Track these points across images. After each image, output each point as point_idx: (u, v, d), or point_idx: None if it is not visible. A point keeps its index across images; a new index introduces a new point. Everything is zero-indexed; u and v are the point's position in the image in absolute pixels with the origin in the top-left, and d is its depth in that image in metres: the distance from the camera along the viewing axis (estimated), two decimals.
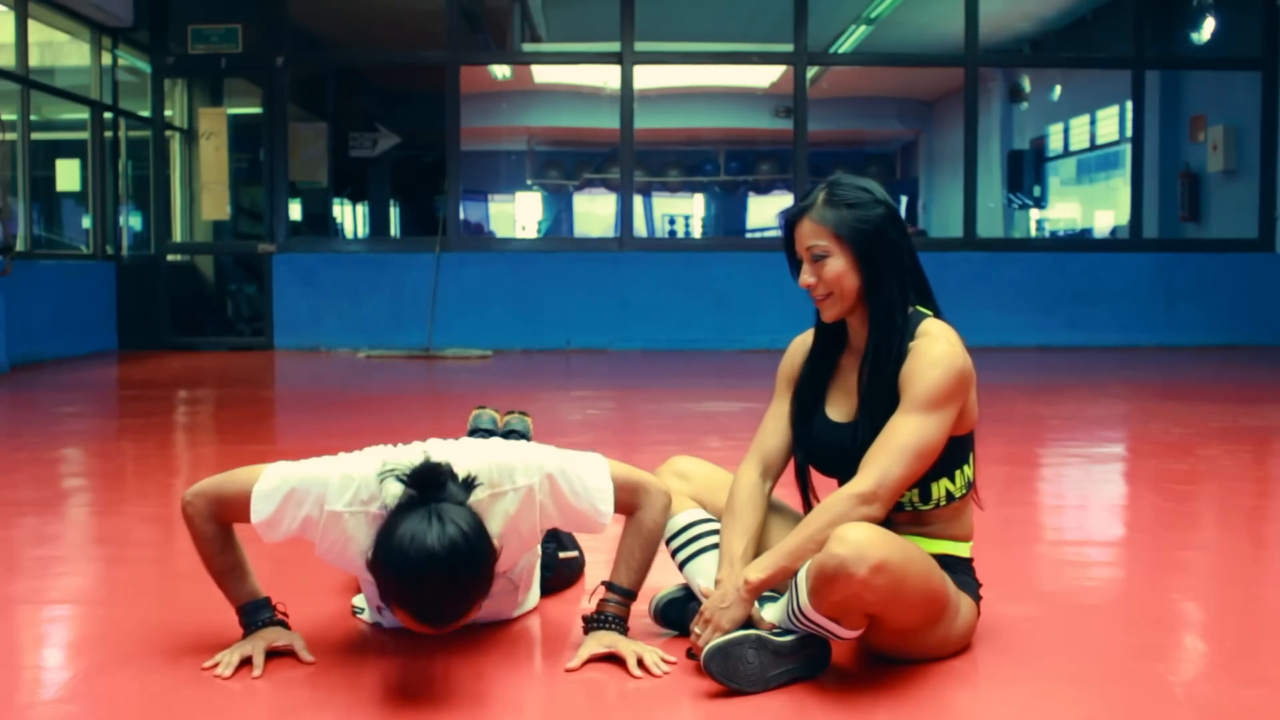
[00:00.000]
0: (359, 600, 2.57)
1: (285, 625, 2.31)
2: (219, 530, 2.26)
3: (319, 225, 13.37)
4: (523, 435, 3.28)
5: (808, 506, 2.40)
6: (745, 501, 2.32)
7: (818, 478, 2.42)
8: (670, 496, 2.34)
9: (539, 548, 2.59)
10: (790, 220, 2.27)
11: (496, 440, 2.38)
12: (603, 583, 2.34)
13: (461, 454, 2.21)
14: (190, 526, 2.27)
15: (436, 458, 2.11)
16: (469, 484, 2.09)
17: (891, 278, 2.22)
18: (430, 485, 2.03)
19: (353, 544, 2.19)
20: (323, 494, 2.18)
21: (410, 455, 2.18)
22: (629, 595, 2.32)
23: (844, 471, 2.34)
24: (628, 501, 2.30)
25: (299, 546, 2.36)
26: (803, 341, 2.43)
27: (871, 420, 2.21)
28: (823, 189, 2.25)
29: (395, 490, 2.08)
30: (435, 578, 1.95)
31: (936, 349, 2.18)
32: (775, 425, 2.41)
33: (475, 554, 1.99)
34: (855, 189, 2.23)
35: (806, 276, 2.25)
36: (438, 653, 2.32)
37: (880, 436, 2.17)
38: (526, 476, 2.23)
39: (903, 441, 2.14)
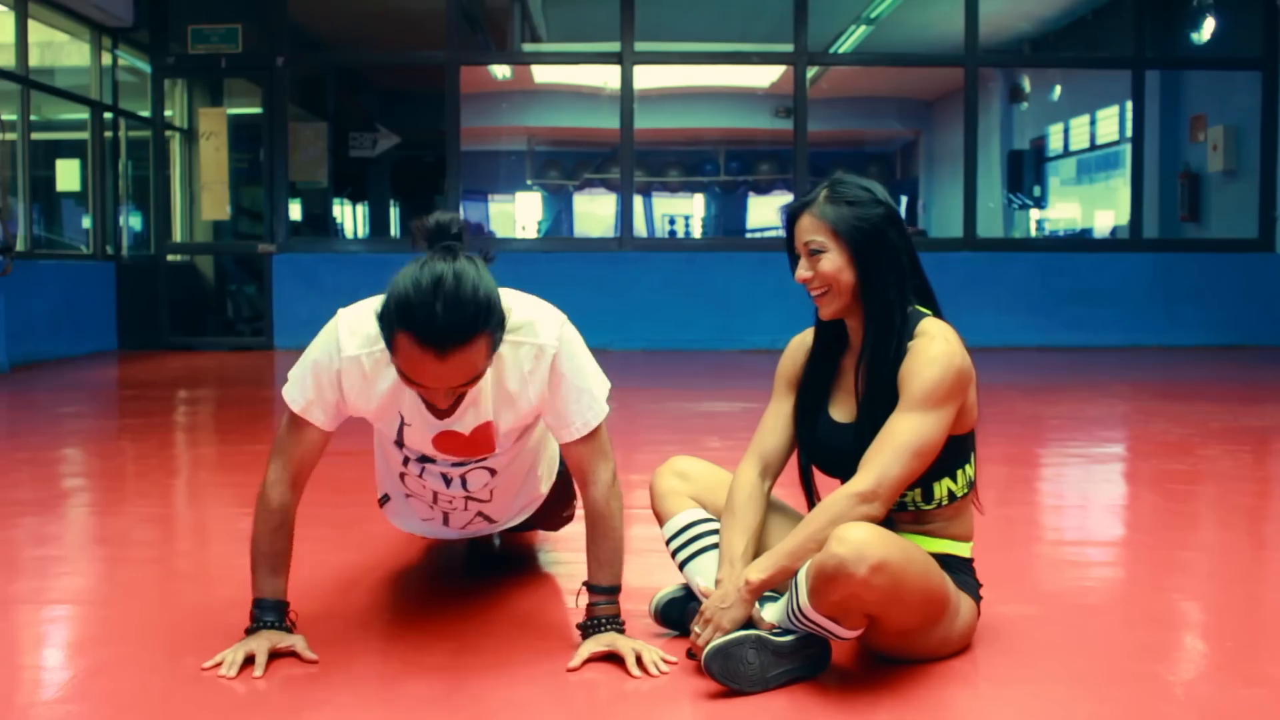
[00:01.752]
0: (379, 482, 2.67)
1: (290, 630, 2.30)
2: (284, 506, 2.27)
3: (319, 225, 13.37)
4: None
5: (811, 508, 2.40)
6: (745, 501, 2.32)
7: (821, 479, 2.42)
8: (615, 476, 2.35)
9: (555, 450, 2.66)
10: (791, 215, 2.28)
11: (533, 298, 2.37)
12: (584, 584, 2.34)
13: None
14: (259, 500, 2.29)
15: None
16: (485, 255, 2.11)
17: (888, 278, 2.22)
18: (441, 236, 2.07)
19: (376, 386, 2.23)
20: (336, 347, 2.22)
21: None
22: (612, 591, 2.32)
23: (847, 472, 2.34)
24: (588, 461, 2.31)
25: (301, 546, 2.36)
26: (800, 341, 2.44)
27: (872, 420, 2.22)
28: (825, 186, 2.26)
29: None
30: (438, 285, 1.96)
31: (934, 347, 2.18)
32: (774, 424, 2.41)
33: (480, 276, 2.02)
34: (857, 188, 2.24)
35: (803, 271, 2.26)
36: (439, 653, 2.32)
37: (879, 435, 2.17)
38: (550, 336, 2.26)
39: (901, 440, 2.14)
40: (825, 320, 2.31)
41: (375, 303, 2.20)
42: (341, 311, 2.29)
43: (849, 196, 2.23)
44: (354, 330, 2.23)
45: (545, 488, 2.69)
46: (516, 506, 2.64)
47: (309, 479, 2.34)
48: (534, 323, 2.26)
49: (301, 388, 2.26)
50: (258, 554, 2.29)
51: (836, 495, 2.15)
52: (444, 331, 1.97)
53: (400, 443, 2.40)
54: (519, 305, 2.27)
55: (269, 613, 2.28)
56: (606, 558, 2.31)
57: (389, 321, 2.02)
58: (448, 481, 2.47)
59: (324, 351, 2.24)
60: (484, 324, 2.02)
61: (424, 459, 2.44)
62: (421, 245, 2.08)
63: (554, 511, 2.84)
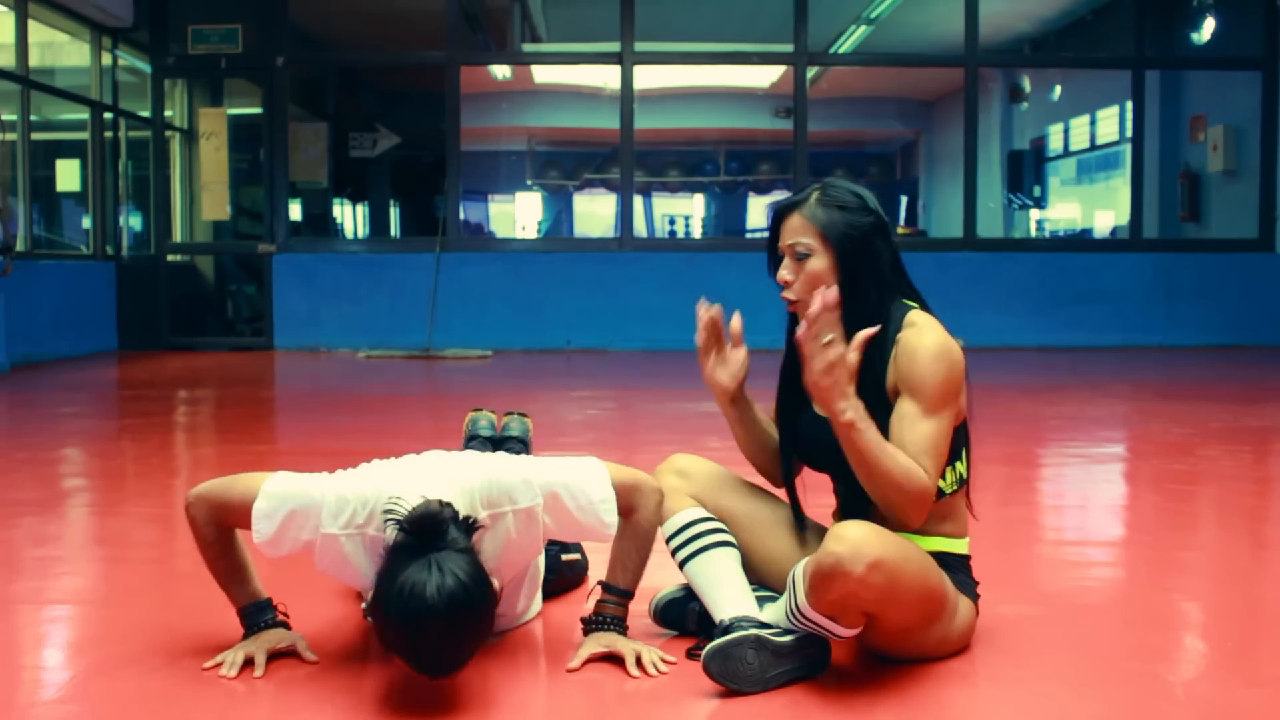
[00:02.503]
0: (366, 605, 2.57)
1: (286, 626, 2.31)
2: (221, 534, 2.26)
3: (319, 225, 13.37)
4: (520, 440, 3.27)
5: (796, 507, 2.40)
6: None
7: (813, 478, 2.42)
8: (662, 493, 2.34)
9: (541, 556, 2.59)
10: (779, 213, 2.27)
11: (498, 456, 2.36)
12: (599, 583, 2.34)
13: (460, 471, 2.21)
14: (193, 528, 2.27)
15: (434, 495, 2.09)
16: (470, 526, 2.06)
17: (870, 287, 2.22)
18: (430, 534, 2.00)
19: (350, 564, 2.19)
20: (318, 516, 2.17)
21: (410, 476, 2.18)
22: (626, 595, 2.32)
23: (834, 467, 2.34)
24: (626, 504, 2.29)
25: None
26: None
27: None
28: (816, 188, 2.26)
29: (395, 532, 2.06)
30: (433, 630, 1.93)
31: (928, 340, 2.16)
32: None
33: (474, 604, 1.96)
34: (848, 193, 2.23)
35: (785, 273, 2.26)
36: None
37: (917, 435, 2.14)
38: (528, 497, 2.21)
39: (938, 444, 2.14)
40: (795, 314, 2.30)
41: (367, 485, 2.18)
42: (339, 476, 2.24)
43: (840, 201, 2.22)
44: (339, 510, 2.17)
45: (525, 618, 2.58)
46: (508, 618, 2.55)
47: None
48: (505, 488, 2.21)
49: (271, 523, 2.19)
50: (217, 574, 2.29)
51: (907, 472, 2.09)
52: (438, 666, 1.99)
53: None
54: (477, 475, 2.22)
55: (258, 614, 2.28)
56: (632, 565, 2.31)
57: (381, 633, 2.01)
58: None
59: (305, 511, 2.18)
60: (480, 641, 2.02)
61: None
62: (404, 537, 2.01)
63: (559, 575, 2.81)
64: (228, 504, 2.23)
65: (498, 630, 2.44)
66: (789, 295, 2.26)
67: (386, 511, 2.11)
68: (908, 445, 2.14)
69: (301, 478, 2.24)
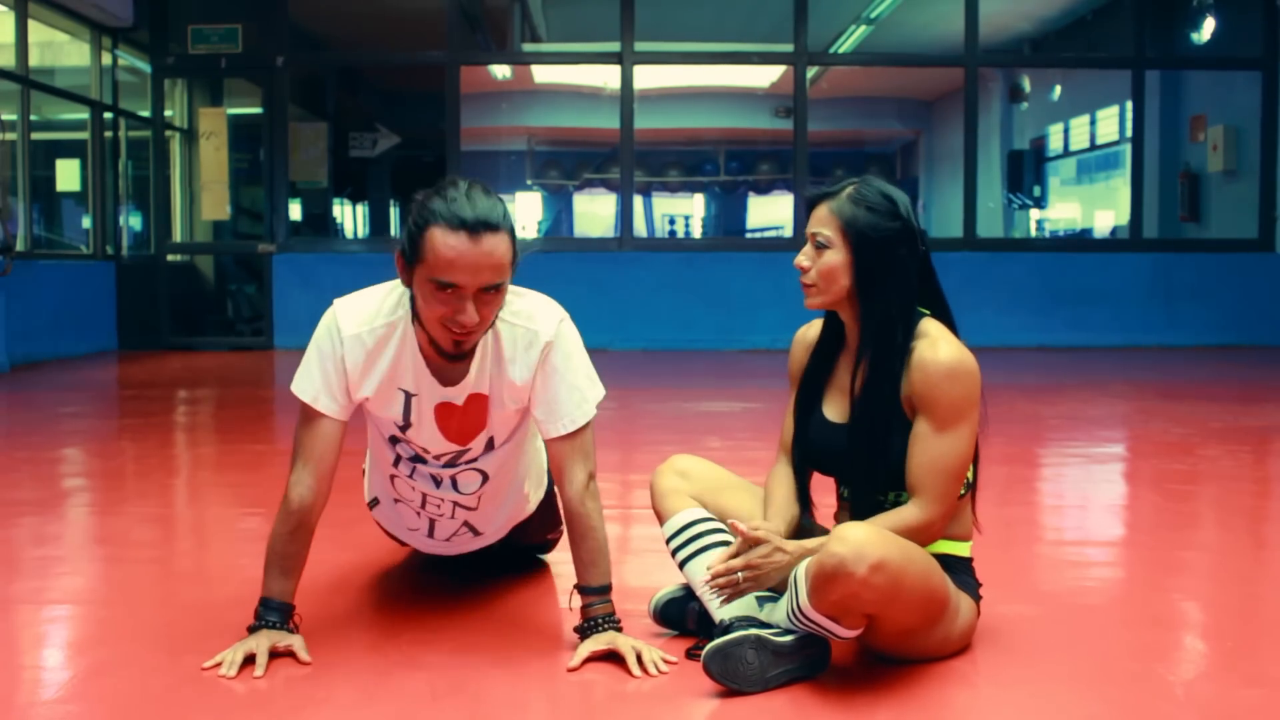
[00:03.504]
0: (369, 487, 2.70)
1: (293, 633, 2.30)
2: (303, 508, 2.28)
3: (319, 225, 13.37)
4: None
5: (804, 505, 2.40)
6: (784, 498, 2.36)
7: (817, 480, 2.42)
8: (593, 476, 2.36)
9: (543, 464, 2.66)
10: (811, 201, 2.28)
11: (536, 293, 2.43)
12: (576, 588, 2.35)
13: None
14: (282, 501, 2.31)
15: None
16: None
17: (889, 293, 2.20)
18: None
19: (378, 360, 2.28)
20: (336, 330, 2.27)
21: None
22: (604, 590, 2.32)
23: (839, 471, 2.34)
24: (566, 458, 2.32)
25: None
26: (803, 336, 2.43)
27: (867, 424, 2.22)
28: (853, 183, 2.25)
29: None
30: (459, 185, 2.12)
31: (943, 354, 2.17)
32: (791, 421, 2.42)
33: (493, 192, 2.15)
34: (880, 195, 2.22)
35: (802, 258, 2.26)
36: (438, 652, 2.32)
37: (927, 456, 2.15)
38: (547, 327, 2.32)
39: (954, 464, 2.16)
40: (809, 309, 2.31)
41: (370, 289, 2.30)
42: (337, 300, 2.33)
43: (869, 202, 2.21)
44: (351, 313, 2.29)
45: (533, 504, 2.69)
46: (502, 517, 2.63)
47: (333, 479, 2.34)
48: (532, 311, 2.33)
49: (309, 378, 2.30)
50: (272, 553, 2.30)
51: (903, 528, 2.13)
52: (474, 214, 2.09)
53: (397, 437, 2.41)
54: (520, 293, 2.33)
55: (273, 613, 2.28)
56: (589, 557, 2.32)
57: (418, 229, 2.12)
58: (437, 483, 2.48)
59: (325, 337, 2.30)
60: (506, 217, 2.14)
61: (415, 459, 2.44)
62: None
63: (539, 531, 2.84)
64: (301, 443, 2.32)
65: (517, 520, 2.63)
66: (804, 280, 2.26)
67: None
68: (923, 466, 2.16)
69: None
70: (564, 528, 2.79)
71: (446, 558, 3.02)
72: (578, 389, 2.34)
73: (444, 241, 2.09)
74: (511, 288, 2.27)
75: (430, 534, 2.64)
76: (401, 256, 2.18)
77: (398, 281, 2.28)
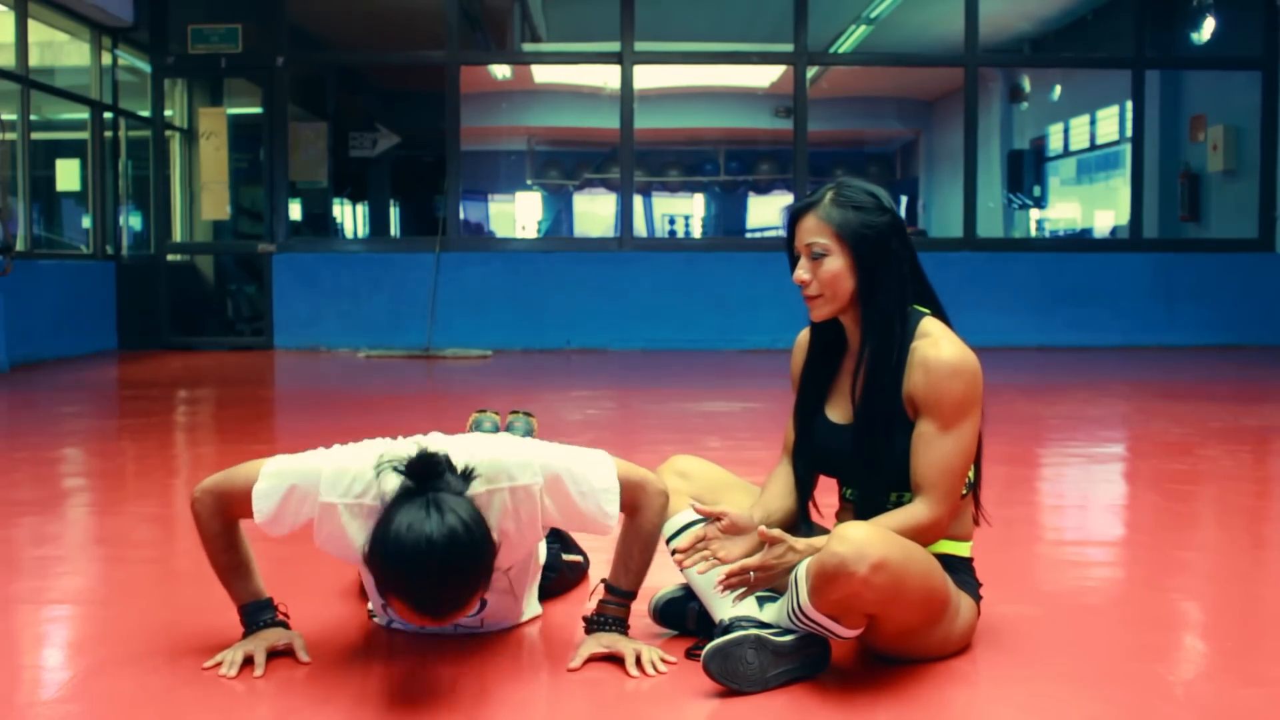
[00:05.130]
0: (372, 605, 2.56)
1: (286, 626, 2.31)
2: (226, 528, 2.26)
3: (319, 225, 13.37)
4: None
5: (805, 509, 2.40)
6: (778, 492, 2.36)
7: (821, 483, 2.42)
8: (668, 495, 2.32)
9: (542, 550, 2.58)
10: (794, 215, 2.27)
11: (501, 436, 2.36)
12: (602, 581, 2.34)
13: (461, 448, 2.19)
14: (198, 523, 2.27)
15: (434, 448, 2.09)
16: (467, 475, 2.06)
17: (889, 286, 2.21)
18: (427, 475, 2.01)
19: (348, 537, 2.18)
20: (316, 488, 2.18)
21: (408, 447, 2.17)
22: (629, 596, 2.32)
23: (843, 473, 2.34)
24: (630, 501, 2.28)
25: (300, 547, 2.36)
26: (804, 339, 2.43)
27: (869, 425, 2.22)
28: (831, 188, 2.25)
29: (393, 482, 2.06)
30: (433, 566, 1.92)
31: (945, 353, 2.17)
32: (793, 425, 2.42)
33: (474, 543, 1.96)
34: (863, 193, 2.23)
35: (801, 273, 2.25)
36: (439, 653, 2.32)
37: (929, 455, 2.16)
38: (528, 475, 2.20)
39: (956, 462, 2.17)
40: (817, 322, 2.30)
41: (371, 455, 2.17)
42: (338, 449, 2.24)
43: (855, 201, 2.22)
44: (337, 479, 2.18)
45: (533, 608, 2.58)
46: (507, 618, 2.52)
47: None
48: (504, 465, 2.19)
49: (270, 501, 2.20)
50: (220, 570, 2.30)
51: (909, 527, 2.14)
52: (439, 606, 1.97)
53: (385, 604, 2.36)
54: (479, 451, 2.19)
55: (258, 613, 2.28)
56: (635, 566, 2.31)
57: (379, 577, 1.98)
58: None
59: (305, 485, 2.19)
60: (479, 584, 1.99)
61: None
62: (400, 478, 2.03)
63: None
64: (231, 491, 2.24)
65: (496, 628, 2.44)
66: (809, 293, 2.25)
67: (385, 462, 2.10)
68: (928, 465, 2.16)
69: (300, 455, 2.25)
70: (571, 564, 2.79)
71: None
72: (591, 492, 2.23)
73: (410, 614, 1.99)
74: (482, 452, 2.18)
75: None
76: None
77: (384, 461, 2.14)
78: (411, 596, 1.95)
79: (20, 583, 2.91)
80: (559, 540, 2.75)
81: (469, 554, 1.95)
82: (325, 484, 2.17)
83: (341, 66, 13.47)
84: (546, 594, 2.67)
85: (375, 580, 2.01)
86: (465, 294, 10.27)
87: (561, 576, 2.73)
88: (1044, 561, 3.20)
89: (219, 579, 2.31)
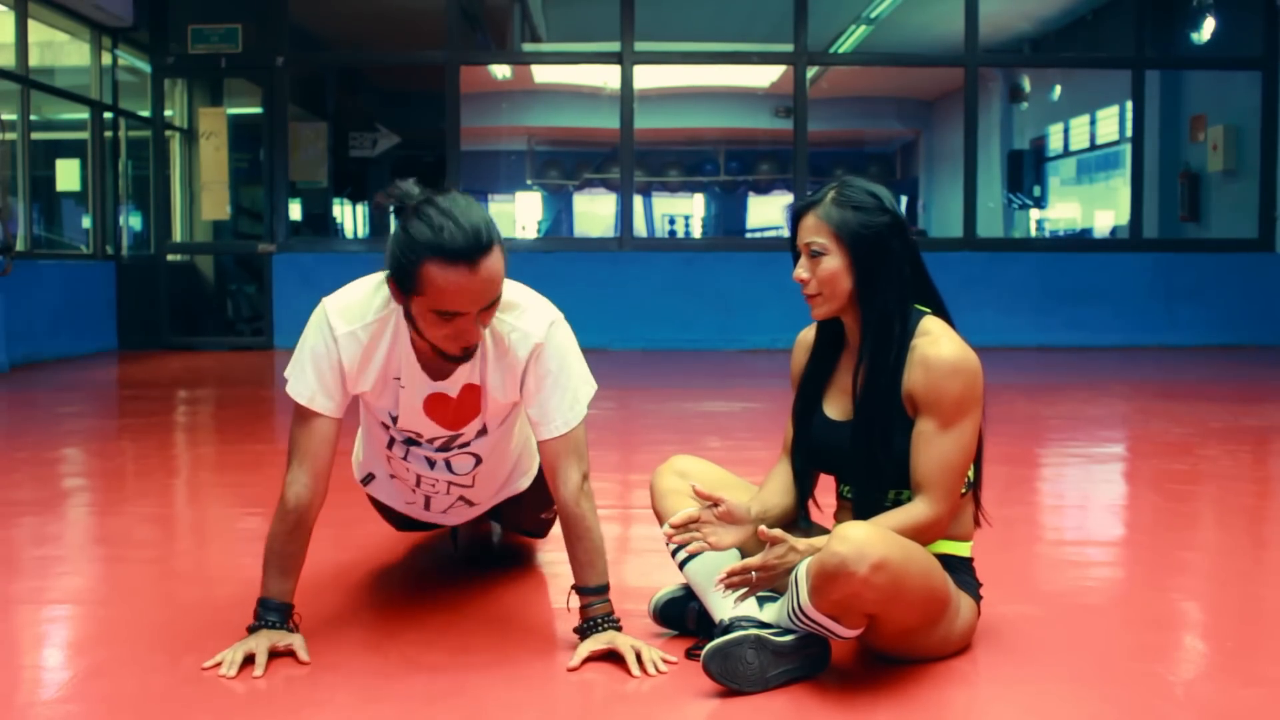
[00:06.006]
0: (357, 454, 2.73)
1: (292, 632, 2.30)
2: (300, 507, 2.28)
3: (319, 225, 13.37)
4: None
5: (804, 507, 2.40)
6: (776, 489, 2.37)
7: (820, 481, 2.42)
8: (588, 477, 2.35)
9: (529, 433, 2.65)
10: (796, 214, 2.28)
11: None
12: (573, 588, 2.35)
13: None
14: (280, 500, 2.30)
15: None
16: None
17: (888, 287, 2.21)
18: (409, 197, 2.12)
19: (373, 356, 2.28)
20: (329, 330, 2.26)
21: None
22: (602, 590, 2.32)
23: (841, 471, 2.34)
24: (560, 459, 2.32)
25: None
26: (804, 338, 2.44)
27: (868, 422, 2.22)
28: (833, 188, 2.25)
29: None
30: (441, 210, 2.05)
31: (945, 351, 2.17)
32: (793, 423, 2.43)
33: (470, 201, 2.10)
34: (864, 193, 2.23)
35: (800, 271, 2.26)
36: (438, 652, 2.32)
37: (929, 453, 2.16)
38: (539, 328, 2.31)
39: (956, 461, 2.17)
40: (817, 320, 2.31)
41: (357, 283, 2.30)
42: (325, 299, 2.33)
43: (855, 201, 2.22)
44: (342, 310, 2.29)
45: (527, 480, 2.73)
46: (496, 490, 2.68)
47: (329, 477, 2.34)
48: (525, 309, 2.33)
49: (304, 379, 2.30)
50: (270, 553, 2.30)
51: (909, 526, 2.14)
52: (469, 240, 2.05)
53: (389, 423, 2.43)
54: (513, 290, 2.33)
55: (273, 613, 2.28)
56: (586, 558, 2.32)
57: (410, 263, 2.07)
58: (431, 464, 2.51)
59: (318, 338, 2.29)
60: (491, 225, 2.10)
61: (410, 441, 2.45)
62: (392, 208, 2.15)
63: (533, 509, 2.83)
64: (297, 442, 2.31)
65: (490, 493, 2.61)
66: (808, 292, 2.26)
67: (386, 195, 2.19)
68: (929, 464, 2.16)
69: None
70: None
71: (447, 557, 3.03)
72: (570, 391, 2.34)
73: (443, 277, 2.06)
74: (506, 283, 2.26)
75: (426, 507, 2.68)
76: (394, 283, 2.15)
77: (383, 275, 2.25)
78: (441, 240, 2.03)
79: (20, 583, 2.91)
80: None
81: (467, 201, 2.10)
82: (334, 321, 2.27)
83: (341, 66, 13.47)
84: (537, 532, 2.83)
85: (405, 271, 2.09)
86: None
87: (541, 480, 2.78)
88: (1044, 561, 3.20)
89: (263, 561, 2.30)
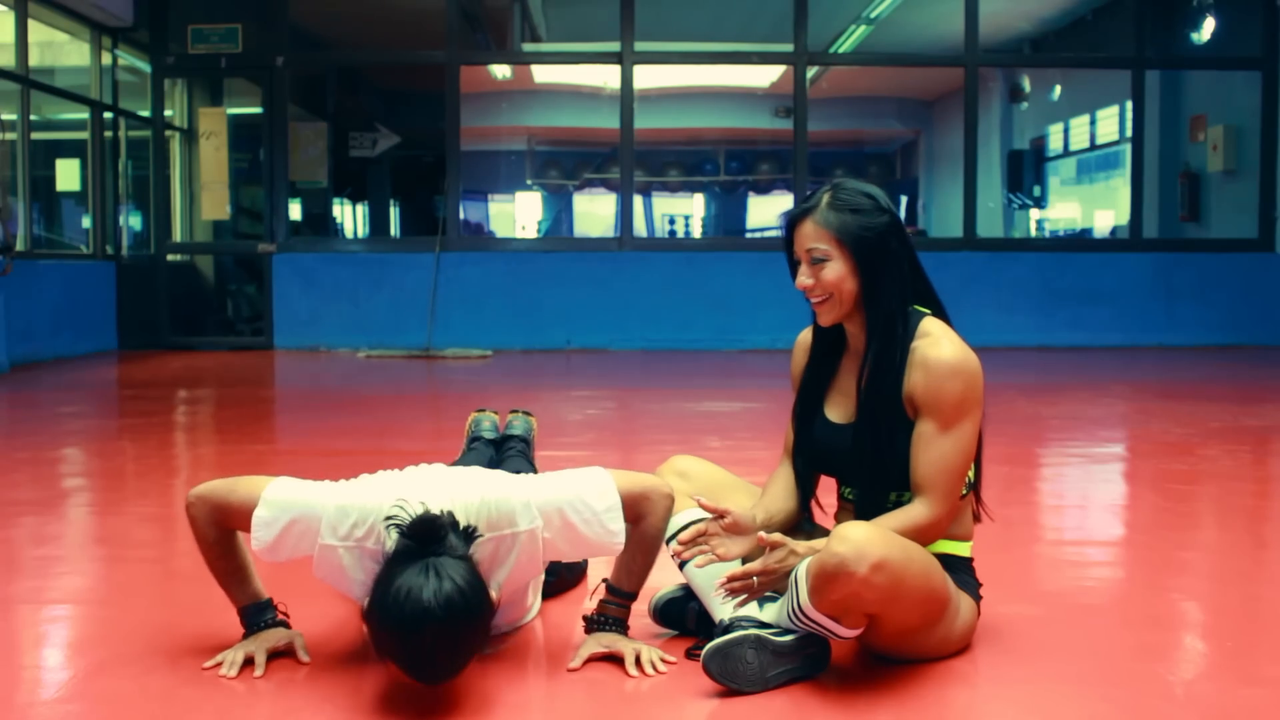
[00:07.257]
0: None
1: (286, 626, 2.31)
2: (221, 535, 2.26)
3: (319, 225, 13.37)
4: (523, 439, 3.27)
5: (806, 509, 2.40)
6: (779, 492, 2.37)
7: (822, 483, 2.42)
8: (673, 497, 2.31)
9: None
10: (792, 221, 2.27)
11: (500, 474, 2.32)
12: (604, 580, 2.34)
13: (462, 490, 2.19)
14: (193, 527, 2.27)
15: (435, 507, 2.08)
16: (469, 534, 2.07)
17: (891, 286, 2.21)
18: (429, 539, 2.00)
19: (347, 575, 2.18)
20: (317, 527, 2.16)
21: (411, 488, 2.17)
22: (630, 597, 2.32)
23: (842, 473, 2.34)
24: (635, 512, 2.26)
25: None
26: (805, 339, 2.43)
27: (871, 424, 2.22)
28: (827, 191, 2.24)
29: (395, 537, 2.06)
30: (429, 635, 1.92)
31: (945, 352, 2.17)
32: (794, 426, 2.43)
33: (471, 611, 1.95)
34: (860, 195, 2.22)
35: (804, 279, 2.25)
36: None
37: (929, 455, 2.16)
38: (529, 519, 2.19)
39: (956, 463, 2.17)
40: (826, 325, 2.30)
41: (373, 495, 2.17)
42: (341, 486, 2.23)
43: (852, 204, 2.21)
44: (339, 520, 2.16)
45: (533, 610, 2.60)
46: (513, 617, 2.56)
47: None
48: (506, 511, 2.18)
49: (270, 531, 2.18)
50: (217, 574, 2.30)
51: (909, 527, 2.14)
52: (434, 672, 1.99)
53: None
54: (479, 492, 2.20)
55: (259, 614, 2.28)
56: (638, 569, 2.31)
57: (375, 639, 2.00)
58: None
59: (306, 521, 2.17)
60: (475, 649, 2.02)
61: None
62: (403, 543, 2.02)
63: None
64: (229, 507, 2.22)
65: (497, 633, 2.44)
66: (815, 298, 2.24)
67: (388, 518, 2.10)
68: (929, 465, 2.16)
69: (303, 486, 2.22)
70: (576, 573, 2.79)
71: None
72: (594, 518, 2.21)
73: (399, 675, 2.03)
74: (471, 480, 2.19)
75: None
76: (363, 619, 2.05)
77: (379, 504, 2.16)
78: (407, 662, 1.97)
79: (20, 583, 2.91)
80: None
81: (466, 621, 1.95)
82: (326, 525, 2.16)
83: (341, 66, 13.47)
84: (546, 594, 2.67)
85: (372, 640, 2.02)
86: (465, 294, 10.27)
87: (560, 578, 2.73)
88: (1044, 561, 3.20)
89: (217, 581, 2.31)
